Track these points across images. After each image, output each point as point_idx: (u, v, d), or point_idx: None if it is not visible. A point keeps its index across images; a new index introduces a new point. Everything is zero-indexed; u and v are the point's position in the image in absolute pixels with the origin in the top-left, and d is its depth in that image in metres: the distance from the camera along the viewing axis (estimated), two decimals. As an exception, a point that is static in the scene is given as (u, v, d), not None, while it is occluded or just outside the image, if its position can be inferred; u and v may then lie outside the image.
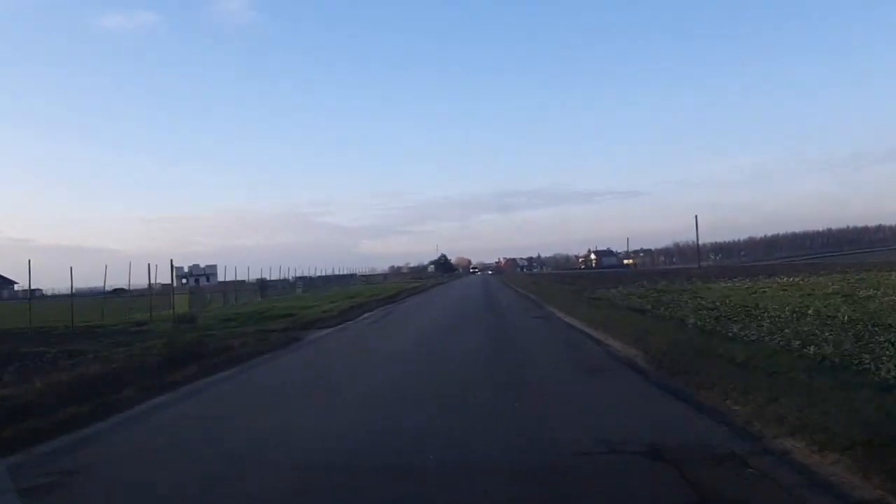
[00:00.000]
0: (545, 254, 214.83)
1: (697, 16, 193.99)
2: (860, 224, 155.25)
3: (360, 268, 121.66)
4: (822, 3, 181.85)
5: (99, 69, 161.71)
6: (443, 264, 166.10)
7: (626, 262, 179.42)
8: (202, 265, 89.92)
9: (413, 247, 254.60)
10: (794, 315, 13.55)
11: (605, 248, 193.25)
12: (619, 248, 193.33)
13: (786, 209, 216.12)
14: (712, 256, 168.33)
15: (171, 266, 28.75)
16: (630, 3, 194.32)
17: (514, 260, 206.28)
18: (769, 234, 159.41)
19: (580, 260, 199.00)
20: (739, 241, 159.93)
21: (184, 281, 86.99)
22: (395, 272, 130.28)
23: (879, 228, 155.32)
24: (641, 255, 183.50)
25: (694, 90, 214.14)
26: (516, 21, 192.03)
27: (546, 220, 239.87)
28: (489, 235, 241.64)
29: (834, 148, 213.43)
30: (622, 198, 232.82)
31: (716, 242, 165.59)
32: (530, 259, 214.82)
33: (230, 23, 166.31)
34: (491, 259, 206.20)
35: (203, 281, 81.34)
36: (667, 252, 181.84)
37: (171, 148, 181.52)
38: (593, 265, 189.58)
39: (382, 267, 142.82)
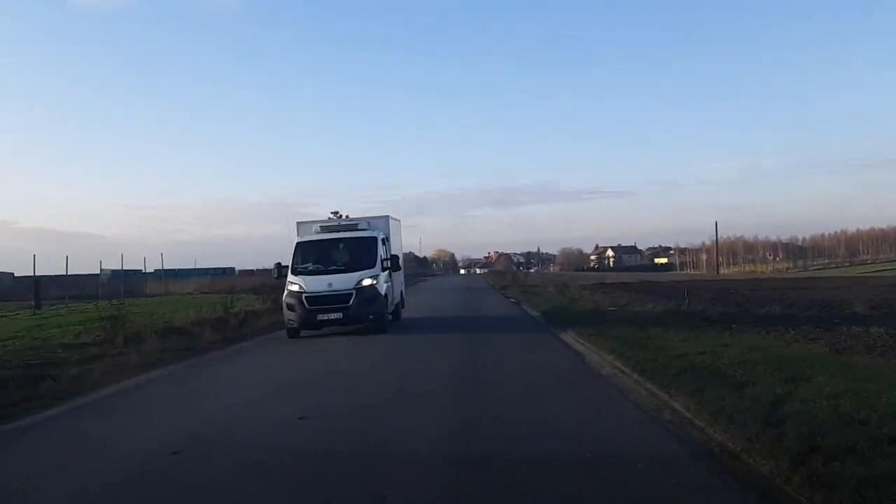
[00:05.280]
0: (544, 250, 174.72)
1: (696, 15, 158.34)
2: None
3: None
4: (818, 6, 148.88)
5: (81, 50, 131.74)
6: None
7: (657, 261, 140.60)
8: None
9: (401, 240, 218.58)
10: None
11: (620, 244, 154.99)
12: (612, 245, 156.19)
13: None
14: (769, 256, 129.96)
15: None
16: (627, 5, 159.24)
17: (508, 256, 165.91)
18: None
19: (592, 258, 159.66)
20: (814, 237, 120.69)
21: None
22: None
23: None
24: (672, 252, 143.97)
25: (686, 90, 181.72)
26: (513, 14, 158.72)
27: (539, 217, 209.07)
28: (480, 231, 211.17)
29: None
30: (612, 196, 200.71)
31: (781, 239, 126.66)
32: (528, 254, 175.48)
33: (215, 6, 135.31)
34: (481, 254, 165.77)
35: None
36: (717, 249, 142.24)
37: (154, 135, 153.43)
38: (609, 264, 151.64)
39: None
